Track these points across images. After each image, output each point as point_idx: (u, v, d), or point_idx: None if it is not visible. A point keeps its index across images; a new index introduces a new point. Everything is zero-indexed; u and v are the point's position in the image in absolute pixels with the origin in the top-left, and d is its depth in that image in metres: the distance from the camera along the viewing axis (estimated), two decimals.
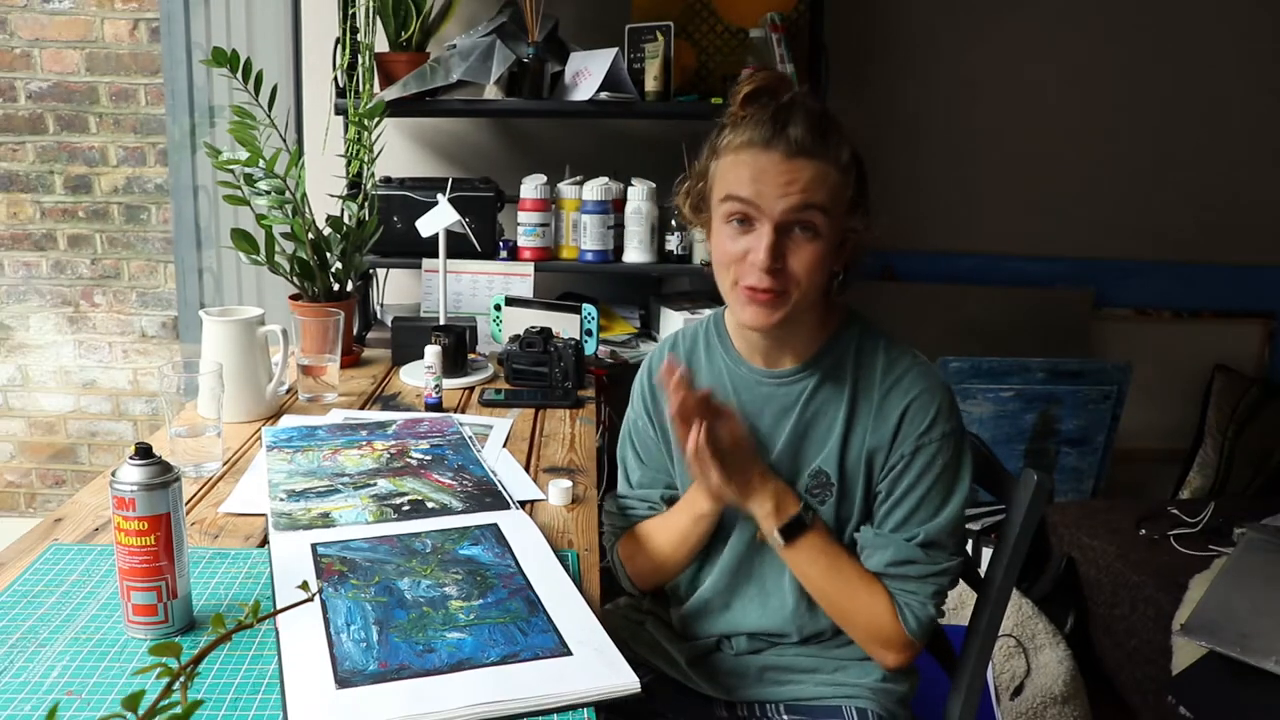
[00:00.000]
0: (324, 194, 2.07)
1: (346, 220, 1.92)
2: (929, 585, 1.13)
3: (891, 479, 1.14)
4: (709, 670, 1.26)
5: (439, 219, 1.88)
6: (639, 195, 2.23)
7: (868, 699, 1.20)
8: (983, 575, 1.25)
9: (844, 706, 1.20)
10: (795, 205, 1.07)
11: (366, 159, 2.11)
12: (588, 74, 2.22)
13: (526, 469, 1.46)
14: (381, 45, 2.30)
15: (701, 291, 2.52)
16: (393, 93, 2.20)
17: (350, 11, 2.19)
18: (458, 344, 1.85)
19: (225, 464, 1.42)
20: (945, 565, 1.14)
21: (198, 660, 0.71)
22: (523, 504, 1.29)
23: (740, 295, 1.11)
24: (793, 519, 1.14)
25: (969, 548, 1.36)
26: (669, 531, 1.24)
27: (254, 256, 1.81)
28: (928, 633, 1.15)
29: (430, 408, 1.69)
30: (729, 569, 1.24)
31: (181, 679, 0.70)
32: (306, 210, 1.84)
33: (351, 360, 1.96)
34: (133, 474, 0.93)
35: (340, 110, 2.23)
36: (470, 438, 1.50)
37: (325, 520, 1.20)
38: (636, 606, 1.36)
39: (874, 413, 1.14)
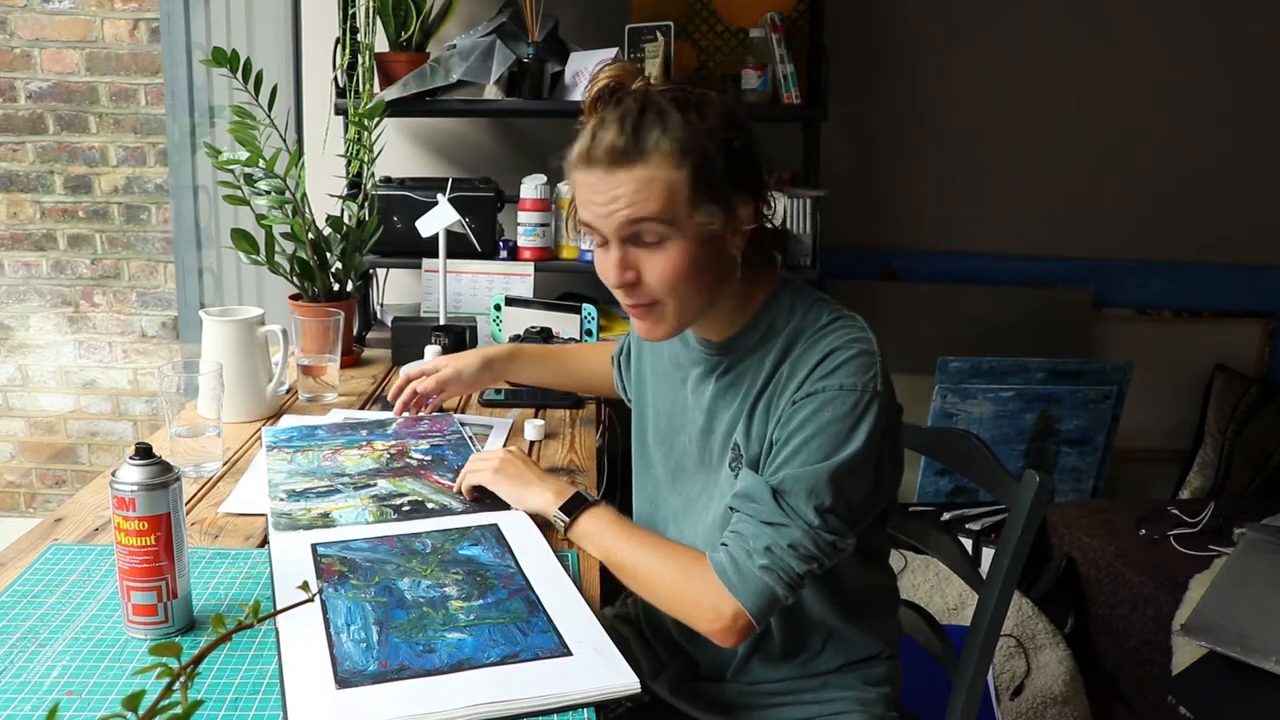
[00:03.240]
0: (324, 194, 2.07)
1: (346, 220, 1.92)
2: (763, 536, 0.99)
3: (780, 424, 1.04)
4: (691, 698, 1.23)
5: (439, 219, 1.88)
6: None
7: (857, 711, 1.17)
8: (984, 576, 1.25)
9: None
10: (624, 221, 1.01)
11: (366, 159, 2.11)
12: (587, 74, 2.22)
13: None
14: (381, 45, 2.30)
15: None
16: (393, 93, 2.20)
17: (350, 11, 2.19)
18: (458, 344, 1.85)
19: (225, 464, 1.42)
20: (787, 522, 0.99)
21: (198, 660, 0.71)
22: None
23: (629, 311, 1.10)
24: (572, 496, 1.13)
25: (970, 549, 1.35)
26: None
27: (254, 256, 1.81)
28: (753, 593, 0.99)
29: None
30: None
31: (181, 679, 0.70)
32: (306, 210, 1.84)
33: (351, 360, 1.96)
34: (133, 474, 0.93)
35: (340, 110, 2.23)
36: (470, 438, 1.50)
37: (325, 520, 1.20)
38: (625, 618, 1.34)
39: (785, 377, 1.06)
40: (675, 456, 1.21)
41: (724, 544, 1.02)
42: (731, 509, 1.05)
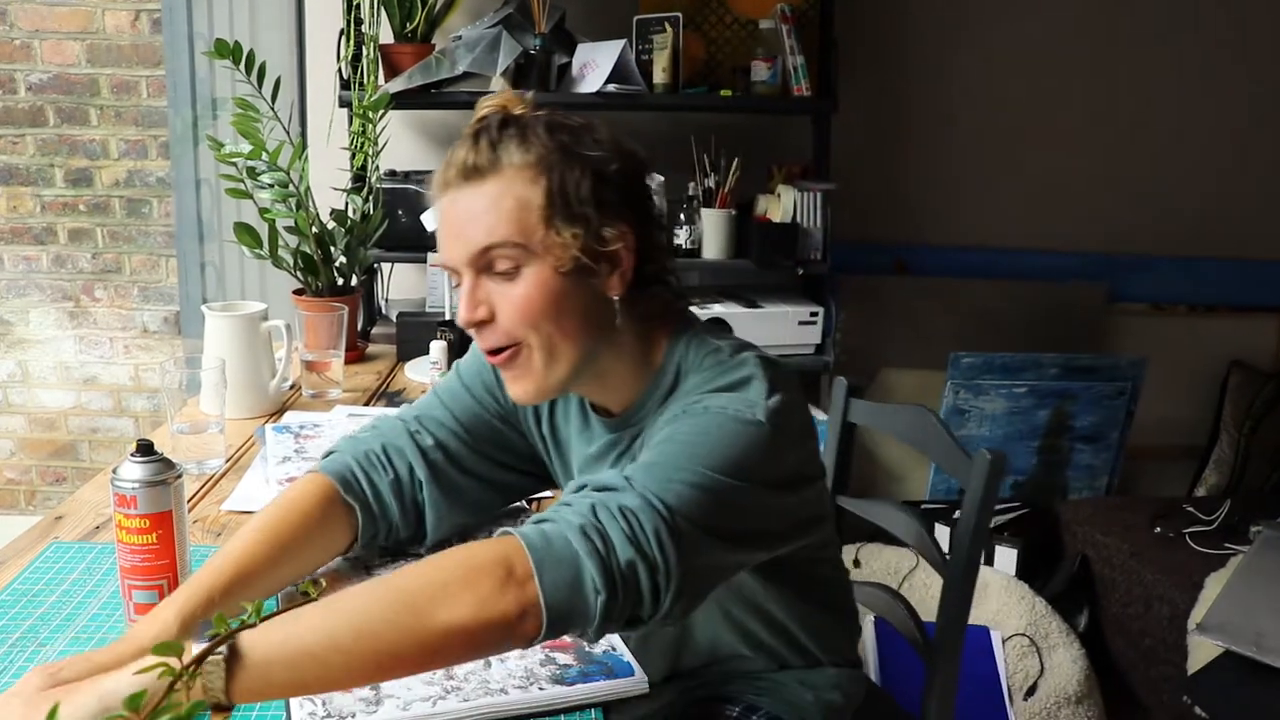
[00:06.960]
0: (328, 187, 2.05)
1: (351, 214, 1.91)
2: (618, 523, 0.78)
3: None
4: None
5: None
6: None
7: (788, 708, 1.08)
8: (995, 571, 1.23)
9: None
10: (473, 246, 0.88)
11: (371, 152, 2.09)
12: (595, 66, 2.20)
13: None
14: (386, 37, 2.28)
15: (711, 286, 2.51)
16: (398, 85, 2.18)
17: (355, 2, 2.18)
18: (463, 339, 1.83)
19: (228, 461, 1.41)
20: (654, 505, 0.79)
21: (198, 660, 0.69)
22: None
23: None
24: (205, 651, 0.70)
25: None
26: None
27: (257, 251, 1.80)
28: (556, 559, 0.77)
29: None
30: None
31: (182, 679, 0.68)
32: (310, 204, 1.83)
33: (356, 356, 1.94)
34: (134, 471, 0.93)
35: (344, 102, 2.22)
36: None
37: None
38: None
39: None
40: None
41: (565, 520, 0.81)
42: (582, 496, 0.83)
